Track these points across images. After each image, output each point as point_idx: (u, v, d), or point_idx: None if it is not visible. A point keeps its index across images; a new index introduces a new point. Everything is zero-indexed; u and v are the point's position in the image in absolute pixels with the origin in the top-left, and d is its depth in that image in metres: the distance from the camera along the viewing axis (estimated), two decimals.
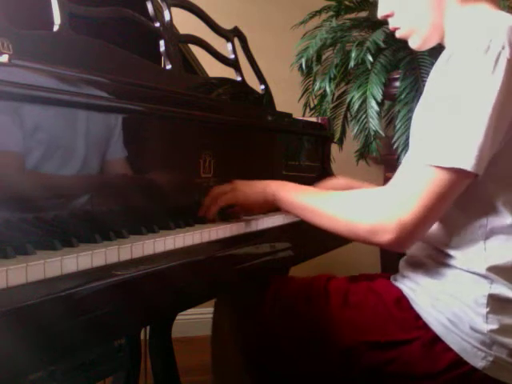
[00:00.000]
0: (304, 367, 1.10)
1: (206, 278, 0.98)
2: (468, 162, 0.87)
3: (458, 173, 0.89)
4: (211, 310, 1.25)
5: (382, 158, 2.39)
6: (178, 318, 1.76)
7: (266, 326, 1.12)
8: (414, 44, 1.11)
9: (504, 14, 1.00)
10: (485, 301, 0.95)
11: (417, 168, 0.92)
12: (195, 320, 2.38)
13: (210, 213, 1.13)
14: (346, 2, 2.41)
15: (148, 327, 1.69)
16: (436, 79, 0.95)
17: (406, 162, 0.97)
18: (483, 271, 0.96)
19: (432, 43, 1.10)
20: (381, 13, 1.12)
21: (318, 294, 1.10)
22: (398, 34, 1.12)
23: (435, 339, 0.98)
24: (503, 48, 0.89)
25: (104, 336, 0.83)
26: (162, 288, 0.87)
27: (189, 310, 1.26)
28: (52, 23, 1.02)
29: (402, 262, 1.10)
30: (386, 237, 0.92)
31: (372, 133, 2.09)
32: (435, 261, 1.01)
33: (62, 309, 0.69)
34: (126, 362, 1.50)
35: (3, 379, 0.64)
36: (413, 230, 0.91)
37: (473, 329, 0.95)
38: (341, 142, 2.37)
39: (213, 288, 1.02)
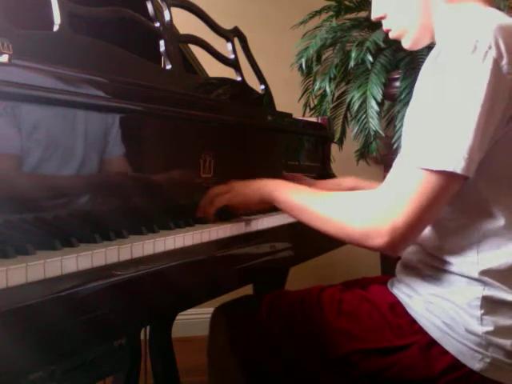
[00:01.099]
0: (301, 373, 1.10)
1: (206, 278, 0.98)
2: (457, 165, 0.86)
3: (447, 175, 0.88)
4: (211, 310, 1.25)
5: (382, 158, 2.39)
6: (178, 318, 1.76)
7: (263, 332, 1.12)
8: (406, 44, 1.13)
9: (493, 12, 0.99)
10: (478, 303, 0.95)
11: (408, 170, 0.91)
12: (195, 320, 2.38)
13: (208, 214, 1.14)
14: (346, 2, 2.41)
15: (148, 327, 1.69)
16: (424, 79, 0.95)
17: (398, 164, 0.96)
18: (476, 274, 0.95)
19: (424, 43, 1.12)
20: (374, 15, 1.15)
21: (311, 304, 1.10)
22: (391, 35, 1.14)
23: (432, 343, 0.98)
24: (490, 48, 0.88)
25: (104, 336, 0.83)
26: (162, 288, 0.87)
27: (189, 310, 1.26)
28: (52, 23, 1.02)
29: (398, 266, 1.10)
30: (378, 240, 0.91)
31: (372, 133, 2.09)
32: (428, 265, 1.01)
33: (62, 309, 0.69)
34: (125, 362, 1.50)
35: (3, 379, 0.64)
36: (405, 233, 0.90)
37: (468, 331, 0.95)
38: (341, 142, 2.37)
39: (213, 288, 1.02)
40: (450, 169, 0.87)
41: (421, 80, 0.96)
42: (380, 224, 0.91)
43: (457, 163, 0.87)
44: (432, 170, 0.88)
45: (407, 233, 0.90)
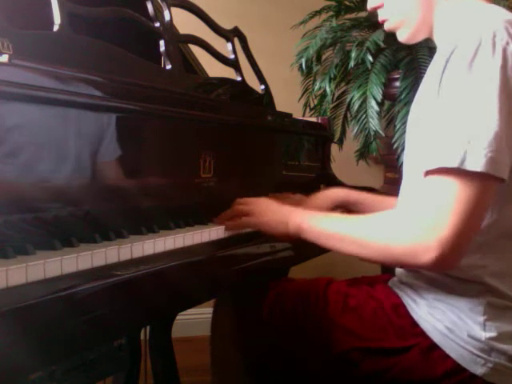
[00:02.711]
0: (303, 369, 1.10)
1: (206, 278, 0.98)
2: (487, 167, 0.83)
3: (480, 178, 0.84)
4: (211, 309, 1.25)
5: (382, 158, 2.38)
6: (178, 317, 1.76)
7: (266, 327, 1.12)
8: (402, 37, 1.10)
9: (497, 8, 0.98)
10: (482, 308, 0.94)
11: (439, 178, 0.86)
12: (195, 320, 2.38)
13: (229, 228, 1.12)
14: (346, 2, 2.40)
15: (148, 327, 1.69)
16: (437, 80, 0.91)
17: (420, 170, 0.90)
18: (480, 280, 0.95)
19: (420, 37, 1.09)
20: (370, 4, 1.12)
21: (316, 298, 1.09)
22: (386, 27, 1.11)
23: (433, 346, 0.97)
24: (508, 44, 0.87)
25: (104, 336, 0.83)
26: (162, 288, 0.87)
27: (189, 310, 1.26)
28: (52, 23, 1.02)
29: (398, 268, 1.09)
30: (427, 256, 0.85)
31: (372, 133, 2.09)
32: None
33: (62, 309, 0.69)
34: (125, 362, 1.50)
35: (3, 379, 0.64)
36: (455, 245, 0.85)
37: (471, 336, 0.94)
38: (341, 142, 2.36)
39: (213, 288, 1.02)
40: (478, 169, 0.83)
41: (432, 82, 0.94)
42: (426, 239, 0.85)
43: (487, 165, 0.83)
44: (463, 175, 0.84)
45: (457, 244, 0.85)
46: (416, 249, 0.87)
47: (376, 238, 0.93)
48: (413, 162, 1.04)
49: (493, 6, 0.99)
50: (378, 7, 1.10)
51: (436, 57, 0.98)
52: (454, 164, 0.84)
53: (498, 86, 0.85)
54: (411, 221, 0.89)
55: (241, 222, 1.12)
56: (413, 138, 1.05)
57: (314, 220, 1.05)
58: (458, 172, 0.84)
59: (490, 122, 0.84)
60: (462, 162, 0.84)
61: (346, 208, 1.36)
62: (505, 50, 0.87)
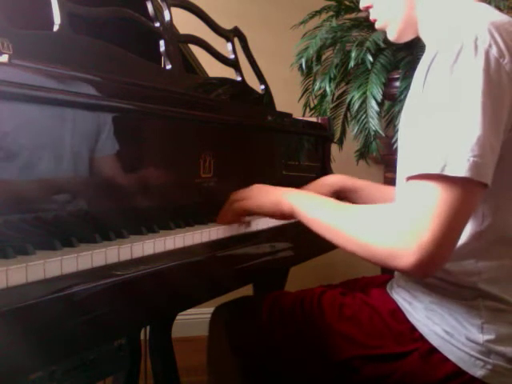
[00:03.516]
0: (301, 375, 1.09)
1: (206, 278, 0.98)
2: (471, 171, 0.81)
3: (464, 183, 0.82)
4: (211, 309, 1.25)
5: (382, 158, 2.38)
6: (178, 317, 1.76)
7: (263, 333, 1.12)
8: (391, 36, 1.12)
9: (484, 7, 0.96)
10: (479, 312, 0.94)
11: (423, 181, 0.84)
12: (195, 320, 2.38)
13: (224, 221, 1.13)
14: (346, 2, 2.41)
15: (148, 327, 1.69)
16: (421, 83, 0.90)
17: (407, 172, 0.89)
18: (475, 286, 0.94)
19: (408, 36, 1.11)
20: (362, 4, 1.15)
21: (311, 307, 1.09)
22: (376, 26, 1.14)
23: (432, 350, 0.97)
24: (490, 46, 0.85)
25: (104, 336, 0.83)
26: (162, 288, 0.87)
27: (189, 310, 1.26)
28: (52, 23, 1.02)
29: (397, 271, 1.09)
30: (406, 260, 0.83)
31: (372, 133, 2.09)
32: None
33: (62, 309, 0.69)
34: (125, 362, 1.50)
35: (3, 379, 0.64)
36: (434, 251, 0.82)
37: (469, 339, 0.94)
38: (341, 142, 2.37)
39: (213, 288, 1.02)
40: (461, 175, 0.81)
41: (417, 85, 0.93)
42: (405, 243, 0.84)
43: (469, 170, 0.81)
44: (445, 180, 0.82)
45: (437, 249, 0.83)
46: (395, 252, 0.85)
47: (357, 234, 0.92)
48: (403, 163, 1.03)
49: (479, 4, 0.97)
50: (369, 7, 1.13)
51: (421, 60, 0.97)
52: (436, 170, 0.82)
53: (480, 89, 0.83)
54: (392, 223, 0.87)
55: (237, 209, 1.12)
56: (402, 139, 1.04)
57: (303, 203, 1.04)
58: (440, 177, 0.83)
59: (472, 125, 0.83)
60: (444, 167, 0.82)
61: (343, 195, 1.37)
62: (487, 53, 0.85)
